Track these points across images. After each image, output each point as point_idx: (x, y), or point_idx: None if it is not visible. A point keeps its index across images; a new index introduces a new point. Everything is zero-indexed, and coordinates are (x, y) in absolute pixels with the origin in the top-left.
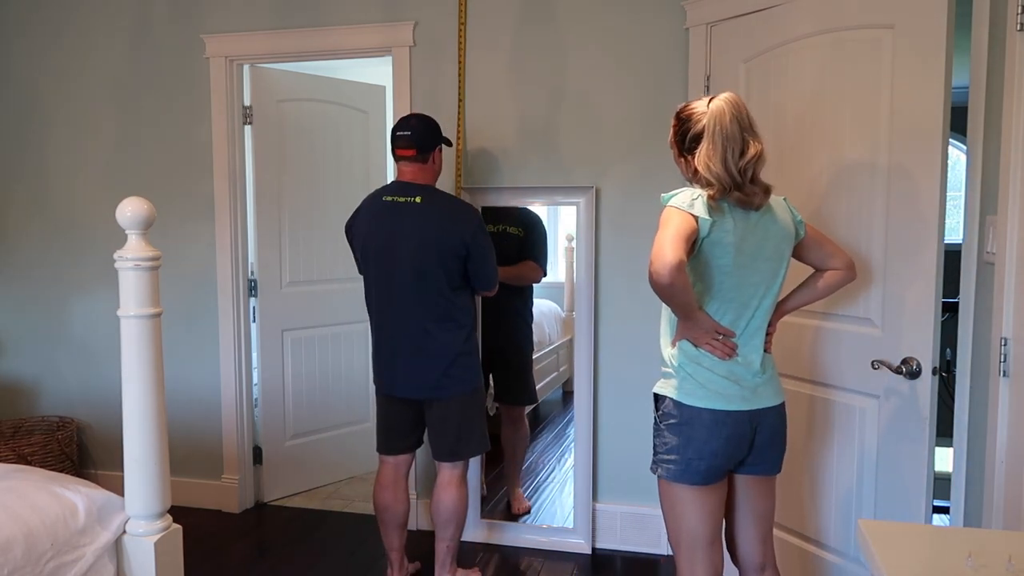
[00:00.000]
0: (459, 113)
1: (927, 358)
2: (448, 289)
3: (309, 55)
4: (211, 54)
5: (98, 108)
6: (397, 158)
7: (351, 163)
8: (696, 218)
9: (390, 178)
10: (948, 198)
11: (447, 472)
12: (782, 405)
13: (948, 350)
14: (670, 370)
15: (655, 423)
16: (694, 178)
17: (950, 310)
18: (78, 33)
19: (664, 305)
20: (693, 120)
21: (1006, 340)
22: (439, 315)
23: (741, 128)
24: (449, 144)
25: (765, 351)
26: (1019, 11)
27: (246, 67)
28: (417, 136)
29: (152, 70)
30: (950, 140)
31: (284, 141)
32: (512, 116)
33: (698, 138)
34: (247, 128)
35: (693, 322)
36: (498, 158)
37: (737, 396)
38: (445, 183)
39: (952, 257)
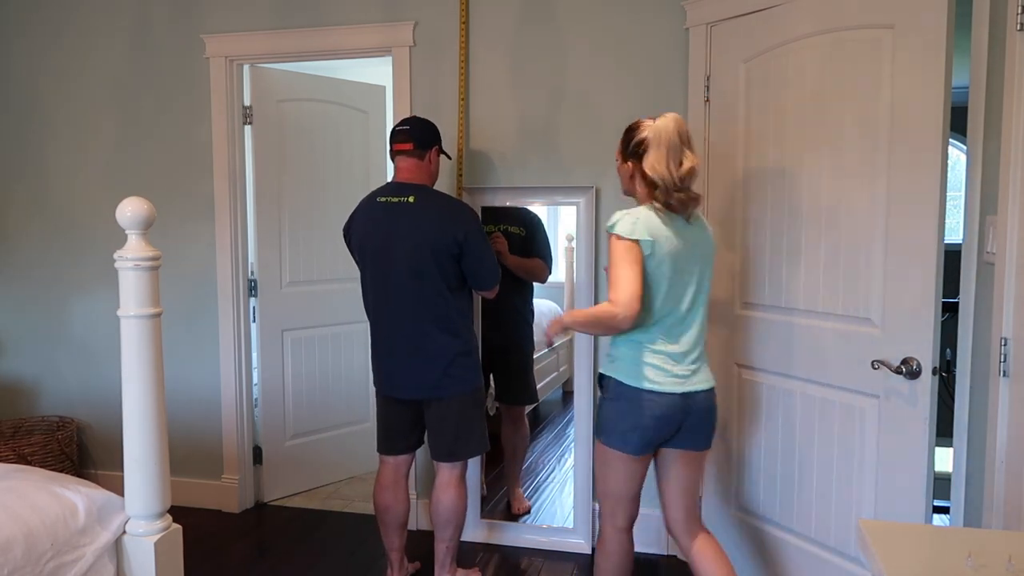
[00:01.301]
0: (460, 112)
1: (927, 358)
2: (445, 289)
3: (309, 55)
4: (211, 54)
5: (98, 108)
6: (395, 154)
7: (351, 163)
8: (639, 242)
9: (390, 178)
10: (948, 198)
11: (446, 472)
12: (712, 390)
13: (948, 350)
14: (615, 355)
15: (600, 399)
16: (632, 182)
17: (950, 310)
18: (78, 33)
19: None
20: (640, 130)
21: (1006, 340)
22: (437, 316)
23: (681, 142)
24: (448, 157)
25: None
26: (1019, 11)
27: (246, 67)
28: (416, 132)
29: (152, 70)
30: (950, 140)
31: (284, 141)
32: (512, 116)
33: (642, 143)
34: (247, 128)
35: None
36: (498, 158)
37: (670, 381)
38: (444, 183)
39: (952, 257)
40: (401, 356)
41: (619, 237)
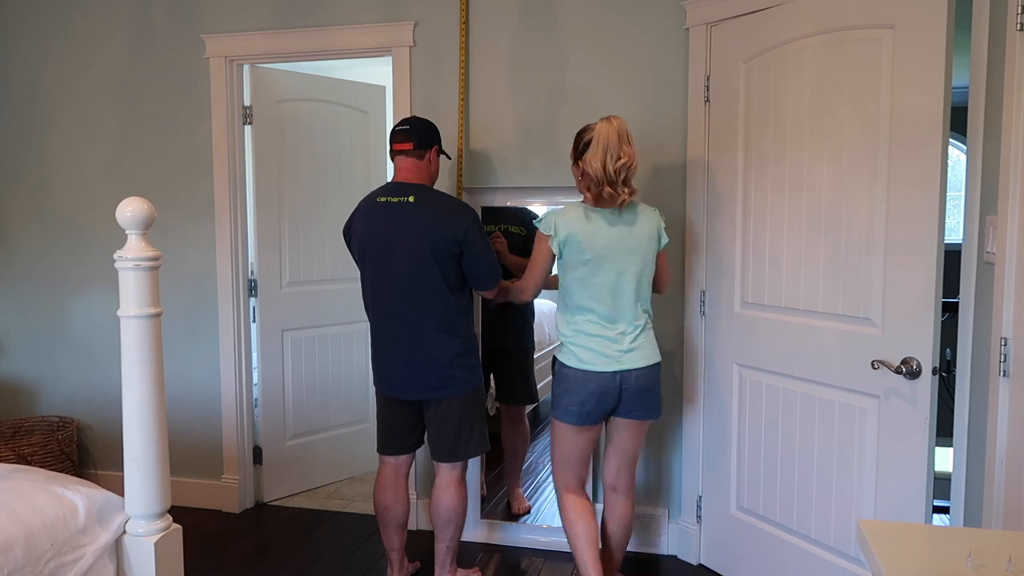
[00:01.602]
0: (460, 113)
1: (927, 358)
2: (445, 289)
3: (309, 55)
4: (211, 54)
5: (98, 108)
6: (394, 154)
7: (351, 163)
8: (551, 237)
9: (390, 178)
10: (948, 198)
11: (446, 473)
12: (649, 367)
13: (948, 350)
14: (561, 339)
15: (553, 378)
16: (583, 178)
17: (950, 310)
18: (78, 34)
19: (559, 294)
20: (587, 132)
21: (1006, 340)
22: (437, 315)
23: (620, 140)
24: (448, 158)
25: None
26: (1019, 11)
27: (246, 67)
28: (415, 131)
29: (152, 70)
30: (950, 140)
31: (284, 141)
32: (512, 116)
33: (588, 145)
34: (247, 128)
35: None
36: (498, 158)
37: (603, 361)
38: (444, 183)
39: (952, 257)
40: (401, 356)
41: (540, 233)
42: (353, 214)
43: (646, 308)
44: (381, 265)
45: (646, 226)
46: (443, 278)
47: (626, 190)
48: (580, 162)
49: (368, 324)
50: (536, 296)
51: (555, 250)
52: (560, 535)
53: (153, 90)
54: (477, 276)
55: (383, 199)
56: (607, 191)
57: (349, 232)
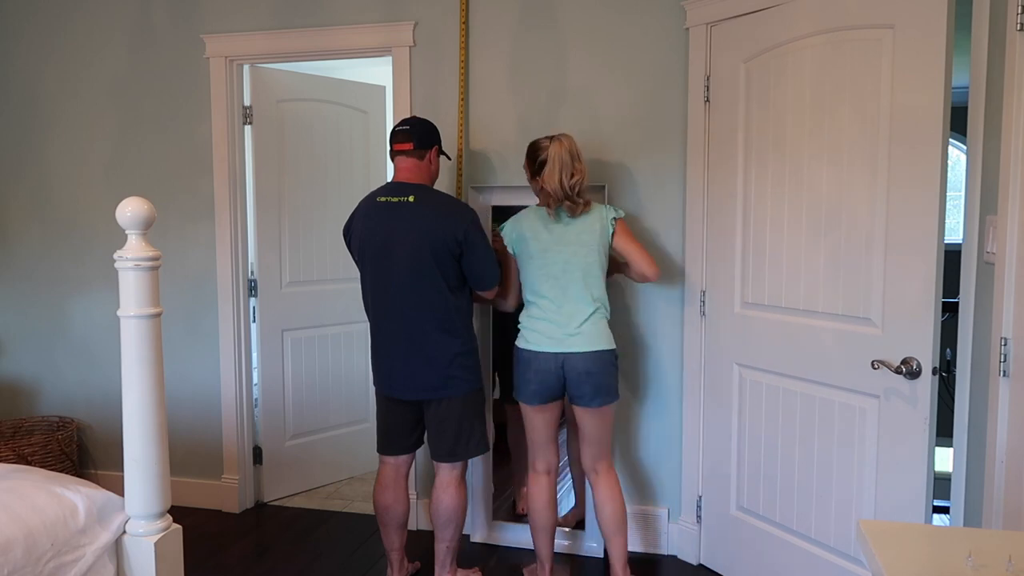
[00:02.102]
0: (460, 113)
1: (927, 358)
2: (446, 289)
3: (309, 55)
4: (211, 54)
5: (98, 108)
6: (395, 154)
7: (351, 163)
8: (507, 241)
9: (390, 178)
10: (948, 198)
11: (446, 473)
12: (593, 352)
13: (948, 350)
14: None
15: None
16: (541, 193)
17: (950, 310)
18: (78, 34)
19: (521, 284)
20: (540, 150)
21: (1006, 340)
22: (437, 316)
23: (572, 159)
24: (448, 158)
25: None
26: (1019, 11)
27: (246, 67)
28: (416, 131)
29: (152, 70)
30: (950, 140)
31: (284, 141)
32: (512, 116)
33: (543, 165)
34: (247, 128)
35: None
36: (498, 158)
37: (547, 342)
38: (444, 183)
39: (952, 257)
40: (401, 356)
41: (500, 237)
42: (353, 214)
43: (597, 297)
44: (381, 265)
45: (592, 220)
46: (443, 278)
47: (581, 200)
48: (538, 178)
49: (368, 324)
50: (517, 302)
51: (510, 250)
52: (559, 536)
53: (153, 90)
54: (477, 276)
55: (383, 199)
56: (566, 204)
57: (349, 232)
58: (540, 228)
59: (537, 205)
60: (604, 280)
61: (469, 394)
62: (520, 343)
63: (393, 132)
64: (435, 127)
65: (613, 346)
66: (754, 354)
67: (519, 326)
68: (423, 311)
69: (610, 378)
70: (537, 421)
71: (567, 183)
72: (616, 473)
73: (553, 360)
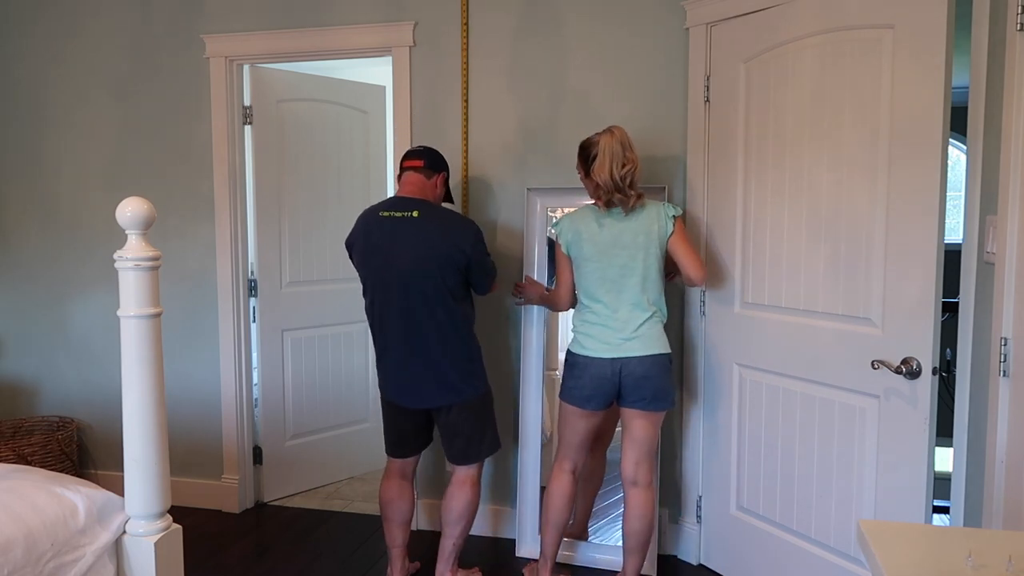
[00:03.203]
0: (462, 112)
1: (927, 358)
2: (450, 299)
3: (309, 55)
4: (211, 54)
5: (98, 108)
6: (404, 169)
7: (351, 163)
8: (561, 242)
9: (390, 179)
10: (948, 198)
11: (462, 472)
12: (650, 356)
13: (948, 350)
14: (573, 329)
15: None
16: (595, 191)
17: (950, 310)
18: (78, 33)
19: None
20: (591, 146)
21: (1006, 340)
22: (441, 327)
23: (623, 148)
24: (452, 202)
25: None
26: (1019, 11)
27: (246, 67)
28: (428, 154)
29: (152, 70)
30: (950, 140)
31: (284, 141)
32: (513, 115)
33: (595, 158)
34: (247, 128)
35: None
36: (498, 158)
37: (603, 348)
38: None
39: (952, 257)
40: (408, 367)
41: (554, 242)
42: (355, 227)
43: (654, 300)
44: (385, 280)
45: (648, 222)
46: (448, 291)
47: (633, 193)
48: (591, 175)
49: (367, 324)
50: (571, 304)
51: (564, 251)
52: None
53: (153, 90)
54: (478, 286)
55: (386, 213)
56: (617, 197)
57: (351, 246)
58: (595, 228)
59: (591, 204)
60: (662, 282)
61: (477, 399)
62: (575, 348)
63: (406, 152)
64: (446, 160)
65: (669, 350)
66: (754, 354)
67: (573, 331)
68: (428, 324)
69: (668, 382)
70: (580, 425)
71: (618, 173)
72: (654, 491)
73: (610, 366)
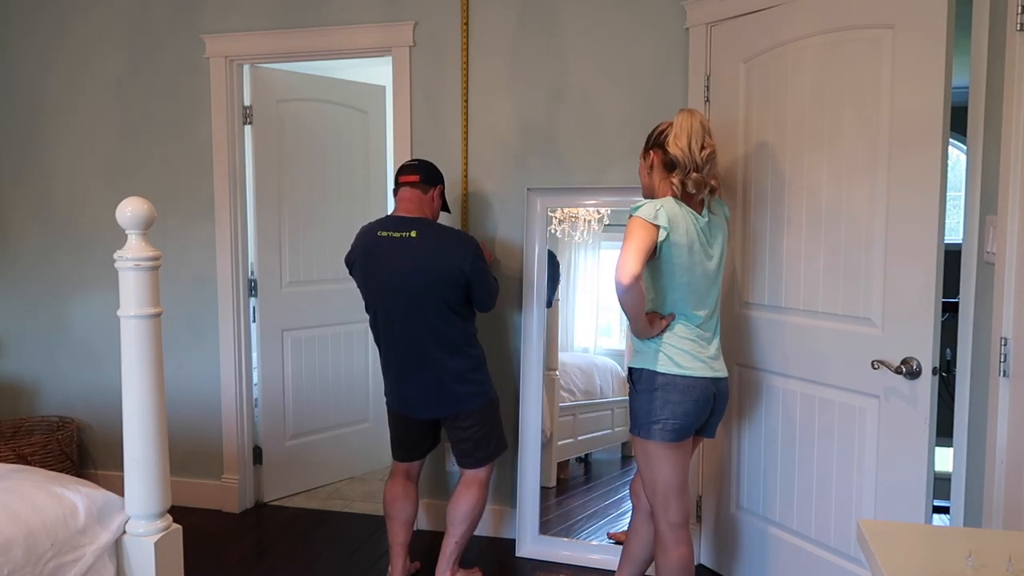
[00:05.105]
0: (462, 112)
1: (927, 358)
2: (451, 314)
3: (309, 55)
4: (211, 54)
5: (99, 108)
6: (400, 185)
7: (351, 163)
8: (657, 227)
9: (389, 181)
10: (948, 198)
11: (471, 473)
12: (728, 378)
13: (948, 350)
14: (644, 347)
15: (632, 393)
16: (651, 176)
17: (950, 310)
18: (79, 34)
19: (648, 298)
20: (664, 125)
21: (1006, 340)
22: (445, 342)
23: (703, 130)
24: (449, 212)
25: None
26: (1019, 11)
27: (246, 67)
28: (423, 167)
29: (152, 70)
30: (950, 140)
31: (284, 141)
32: (513, 115)
33: (664, 132)
34: (247, 128)
35: (643, 325)
36: (499, 158)
37: (700, 366)
38: (448, 182)
39: (952, 257)
40: (414, 382)
41: (640, 219)
42: (354, 246)
43: (717, 312)
44: (386, 298)
45: (723, 223)
46: (449, 308)
47: (713, 180)
48: (657, 151)
49: (368, 323)
50: (631, 281)
51: (660, 237)
52: (590, 550)
53: (153, 90)
54: (478, 302)
55: (384, 233)
56: (694, 176)
57: (351, 264)
58: (695, 234)
59: (669, 197)
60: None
61: (483, 405)
62: (671, 368)
63: (400, 166)
64: (441, 172)
65: None
66: (754, 354)
67: (657, 346)
68: (431, 340)
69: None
70: (681, 459)
71: (697, 151)
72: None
73: (710, 387)
